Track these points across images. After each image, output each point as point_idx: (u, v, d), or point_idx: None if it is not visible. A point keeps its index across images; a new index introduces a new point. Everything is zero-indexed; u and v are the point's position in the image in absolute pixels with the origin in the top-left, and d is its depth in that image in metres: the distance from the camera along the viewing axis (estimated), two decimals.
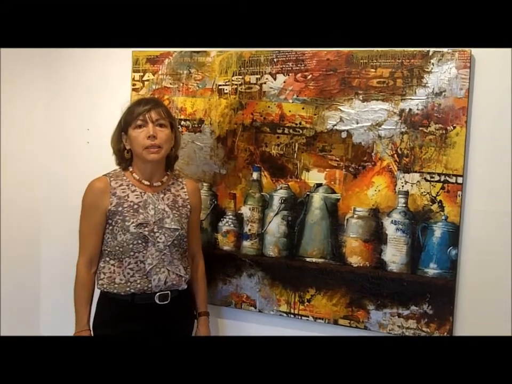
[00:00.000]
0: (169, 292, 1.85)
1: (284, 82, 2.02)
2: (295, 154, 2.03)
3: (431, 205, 1.86)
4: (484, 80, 1.80)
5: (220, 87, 2.12)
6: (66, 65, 2.44)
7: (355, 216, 1.96)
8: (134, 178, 1.87)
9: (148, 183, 1.87)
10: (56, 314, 2.51)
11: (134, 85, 2.27)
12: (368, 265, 1.95)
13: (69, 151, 2.46)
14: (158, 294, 1.83)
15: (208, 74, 2.14)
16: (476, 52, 1.79)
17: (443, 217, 1.84)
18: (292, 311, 2.06)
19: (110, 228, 1.83)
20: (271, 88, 2.04)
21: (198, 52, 2.14)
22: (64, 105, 2.46)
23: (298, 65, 2.00)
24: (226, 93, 2.11)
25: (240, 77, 2.09)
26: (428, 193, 1.86)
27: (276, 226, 2.07)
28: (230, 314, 2.18)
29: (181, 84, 2.18)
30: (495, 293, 1.82)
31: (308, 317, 2.04)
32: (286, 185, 2.04)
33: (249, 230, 2.11)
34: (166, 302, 1.84)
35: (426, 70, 1.84)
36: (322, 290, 2.01)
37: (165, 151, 1.84)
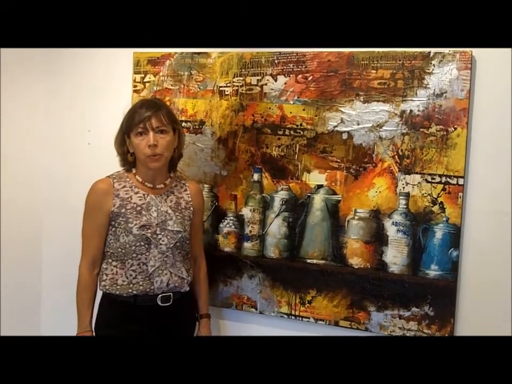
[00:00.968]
0: (171, 293, 1.85)
1: (285, 83, 2.02)
2: (296, 156, 2.03)
3: (432, 206, 1.86)
4: (484, 81, 1.80)
5: (220, 89, 2.12)
6: (67, 66, 2.44)
7: (356, 217, 1.96)
8: (137, 180, 1.87)
9: (151, 185, 1.87)
10: (57, 314, 2.51)
11: (135, 86, 2.27)
12: (369, 266, 1.94)
13: (69, 152, 2.45)
14: (160, 295, 1.83)
15: (209, 75, 2.14)
16: (476, 53, 1.79)
17: (444, 219, 1.84)
18: (293, 312, 2.05)
19: (113, 229, 1.83)
20: (272, 89, 2.04)
21: (199, 53, 2.15)
22: (65, 106, 2.46)
23: (299, 67, 2.00)
24: (227, 94, 2.11)
25: (241, 78, 2.09)
26: (428, 194, 1.86)
27: (276, 227, 2.07)
28: (231, 316, 2.18)
29: (182, 85, 2.18)
30: (497, 294, 1.81)
31: (309, 318, 2.03)
32: (287, 187, 2.04)
33: (250, 231, 2.11)
34: (168, 304, 1.84)
35: (427, 71, 1.84)
36: (323, 291, 2.01)
37: (166, 157, 1.84)
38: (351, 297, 1.97)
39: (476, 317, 1.85)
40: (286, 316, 2.07)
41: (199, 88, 2.16)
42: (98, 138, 2.34)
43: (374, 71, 1.91)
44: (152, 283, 1.82)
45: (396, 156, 1.90)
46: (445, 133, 1.83)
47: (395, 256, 1.91)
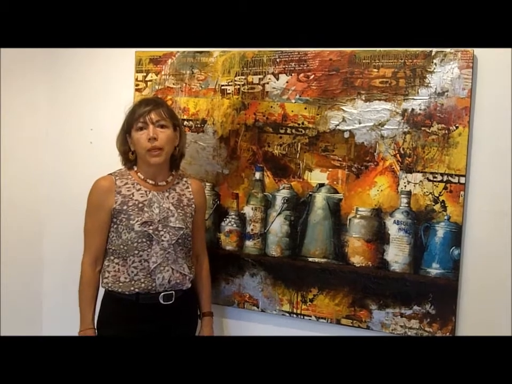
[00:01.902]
0: (173, 291, 1.86)
1: (287, 82, 2.03)
2: (298, 154, 2.03)
3: (434, 205, 1.86)
4: (486, 80, 1.80)
5: (222, 87, 2.13)
6: (69, 65, 2.44)
7: (357, 216, 1.96)
8: (139, 177, 1.88)
9: (153, 182, 1.88)
10: (59, 314, 2.51)
11: (137, 85, 2.27)
12: (370, 265, 1.95)
13: (72, 151, 2.46)
14: (162, 293, 1.84)
15: (211, 74, 2.14)
16: (478, 51, 1.79)
17: (446, 217, 1.85)
18: (295, 310, 2.06)
19: (115, 226, 1.84)
20: (274, 88, 2.05)
21: (200, 52, 2.15)
22: (67, 105, 2.46)
23: (301, 65, 2.00)
24: (229, 93, 2.12)
25: (243, 77, 2.09)
26: (430, 193, 1.86)
27: (278, 226, 2.07)
28: (232, 314, 2.19)
29: (184, 84, 2.19)
30: (498, 292, 1.82)
31: (311, 316, 2.04)
32: (289, 185, 2.05)
33: (252, 229, 2.11)
34: (170, 302, 1.85)
35: (428, 70, 1.85)
36: (325, 290, 2.01)
37: (167, 152, 1.84)
38: (352, 295, 1.97)
39: (477, 315, 1.85)
40: (287, 314, 2.07)
41: (201, 87, 2.16)
42: (101, 137, 2.34)
43: (375, 70, 1.91)
44: (153, 280, 1.82)
45: (398, 155, 1.90)
46: (446, 131, 1.83)
47: (396, 255, 1.92)
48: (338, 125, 1.97)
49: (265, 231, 2.09)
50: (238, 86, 2.10)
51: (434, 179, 1.86)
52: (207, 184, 2.16)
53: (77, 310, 1.87)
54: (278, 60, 2.04)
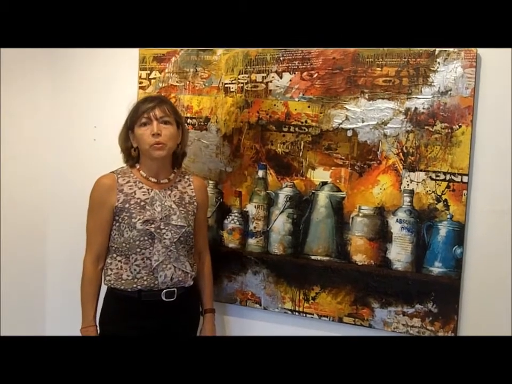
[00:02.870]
0: (175, 289, 1.86)
1: (290, 80, 2.03)
2: (301, 153, 2.03)
3: (436, 204, 1.86)
4: (489, 79, 1.80)
5: (226, 85, 2.13)
6: (72, 62, 2.45)
7: (360, 214, 1.96)
8: (141, 175, 1.88)
9: (155, 180, 1.88)
10: (61, 312, 2.52)
11: (140, 83, 2.28)
12: (373, 263, 1.95)
13: (75, 148, 2.46)
14: (164, 291, 1.84)
15: (215, 72, 2.14)
16: (481, 51, 1.79)
17: (448, 216, 1.85)
18: (297, 308, 2.06)
19: (117, 224, 1.84)
20: (277, 86, 2.05)
21: (204, 50, 2.15)
22: (70, 102, 2.47)
23: (304, 64, 2.01)
24: (233, 91, 2.12)
25: (246, 75, 2.09)
26: (433, 192, 1.87)
27: (281, 224, 2.07)
28: (235, 312, 2.19)
29: (187, 82, 2.19)
30: (500, 291, 1.82)
31: (313, 314, 2.04)
32: (292, 183, 2.05)
33: (255, 227, 2.12)
34: (172, 299, 1.85)
35: (432, 69, 1.85)
36: (327, 288, 2.01)
37: (170, 148, 1.85)
38: (354, 293, 1.98)
39: (479, 314, 1.86)
40: (290, 312, 2.08)
41: (204, 85, 2.17)
42: (104, 135, 2.35)
43: (379, 69, 1.91)
44: (156, 278, 1.83)
45: (401, 153, 1.90)
46: (449, 130, 1.84)
47: (399, 253, 1.92)
48: (341, 123, 1.97)
49: (268, 229, 2.10)
50: (242, 84, 2.11)
51: (437, 178, 1.86)
52: (210, 182, 2.16)
53: (80, 308, 1.88)
54: (281, 58, 2.04)
